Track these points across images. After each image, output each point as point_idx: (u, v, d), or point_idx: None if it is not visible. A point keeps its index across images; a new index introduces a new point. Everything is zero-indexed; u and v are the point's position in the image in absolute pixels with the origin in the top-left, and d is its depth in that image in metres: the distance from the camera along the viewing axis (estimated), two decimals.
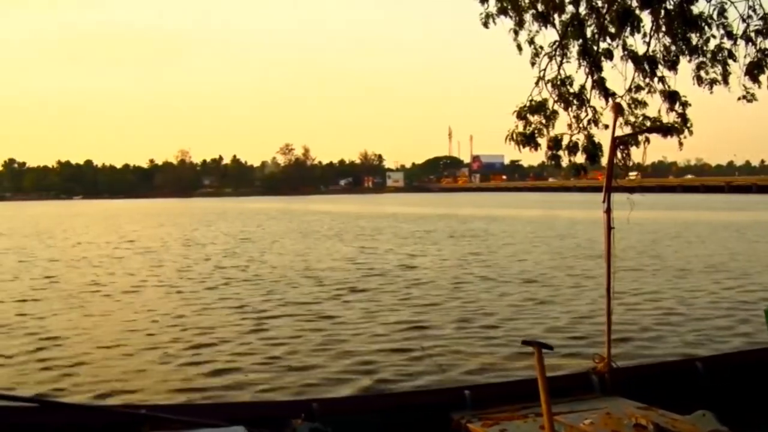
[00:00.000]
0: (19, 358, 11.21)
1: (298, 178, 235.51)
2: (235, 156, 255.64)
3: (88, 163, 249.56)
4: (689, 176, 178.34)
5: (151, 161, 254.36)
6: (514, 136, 8.43)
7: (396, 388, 9.31)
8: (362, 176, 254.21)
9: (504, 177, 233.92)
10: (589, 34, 8.46)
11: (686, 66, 8.21)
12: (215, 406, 6.20)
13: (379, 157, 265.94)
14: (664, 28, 8.17)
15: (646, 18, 8.14)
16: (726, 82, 7.98)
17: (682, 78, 8.23)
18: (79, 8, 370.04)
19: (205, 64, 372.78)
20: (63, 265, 25.89)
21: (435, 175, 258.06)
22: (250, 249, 31.44)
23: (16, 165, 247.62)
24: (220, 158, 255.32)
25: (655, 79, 8.26)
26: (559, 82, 8.55)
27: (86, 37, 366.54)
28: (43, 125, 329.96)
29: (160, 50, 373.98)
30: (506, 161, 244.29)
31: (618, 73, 8.33)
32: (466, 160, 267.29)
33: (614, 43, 8.37)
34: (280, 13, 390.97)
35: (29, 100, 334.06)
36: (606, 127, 8.06)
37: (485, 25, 8.62)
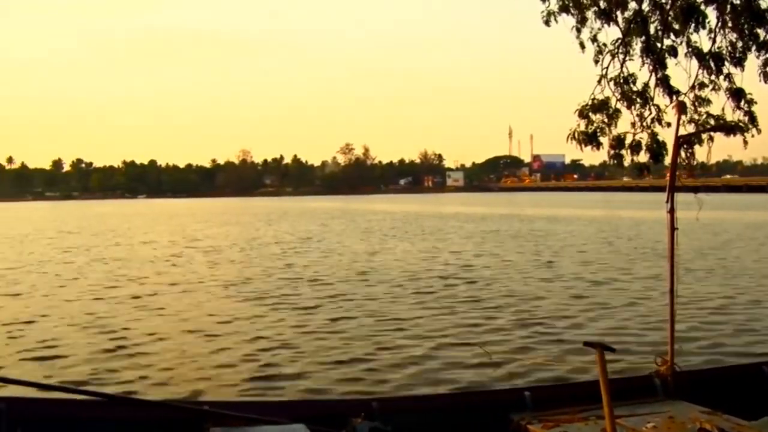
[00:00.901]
0: (89, 354, 11.40)
1: (358, 177, 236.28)
2: (295, 156, 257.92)
3: (152, 163, 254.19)
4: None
5: (213, 161, 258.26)
6: (576, 135, 8.35)
7: (455, 388, 9.22)
8: (422, 176, 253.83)
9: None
10: (652, 30, 8.33)
11: (753, 62, 8.02)
12: (276, 404, 6.20)
13: (439, 156, 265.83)
14: (730, 24, 7.99)
15: (711, 13, 7.98)
16: None
17: (749, 75, 8.04)
18: (143, 12, 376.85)
19: (266, 65, 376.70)
20: (130, 263, 26.24)
21: (495, 174, 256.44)
22: (314, 248, 31.48)
23: (83, 165, 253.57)
24: (281, 158, 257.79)
25: (721, 77, 8.09)
26: (621, 80, 8.44)
27: (151, 40, 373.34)
28: (109, 126, 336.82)
29: (223, 52, 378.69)
30: (567, 160, 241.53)
31: (682, 71, 8.19)
32: (527, 159, 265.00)
33: (678, 40, 8.23)
34: (341, 13, 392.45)
35: (96, 103, 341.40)
36: (669, 125, 7.91)
37: (547, 23, 8.55)
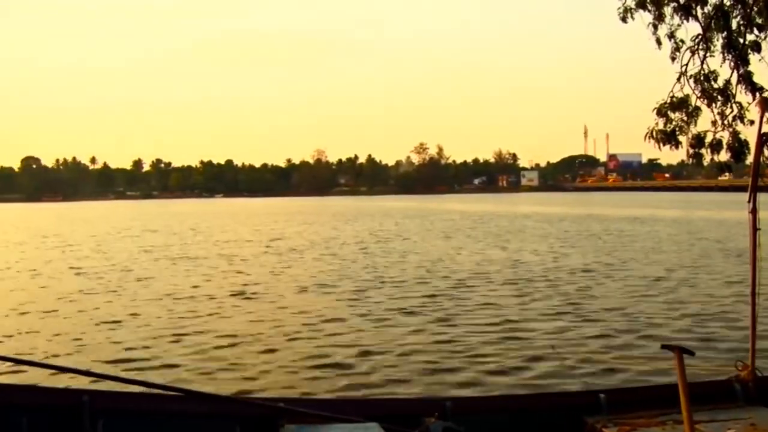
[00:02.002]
0: (169, 350, 11.65)
1: (432, 177, 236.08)
2: (370, 155, 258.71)
3: (229, 162, 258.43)
4: None
5: (289, 161, 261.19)
6: (654, 133, 8.19)
7: (529, 389, 9.09)
8: (496, 175, 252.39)
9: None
10: (734, 26, 8.11)
11: None
12: (350, 402, 6.24)
13: (514, 156, 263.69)
14: None
15: None
16: None
17: None
18: (219, 17, 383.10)
19: (341, 65, 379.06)
20: (211, 261, 26.69)
21: (570, 174, 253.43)
22: (396, 248, 31.35)
23: (162, 165, 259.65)
24: (356, 157, 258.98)
25: None
26: (702, 78, 8.24)
27: (227, 43, 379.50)
28: (187, 127, 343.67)
29: (298, 53, 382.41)
30: (644, 160, 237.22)
31: (766, 67, 7.96)
32: (602, 158, 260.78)
33: (762, 35, 8.00)
34: (413, 13, 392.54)
35: (175, 105, 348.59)
36: (752, 123, 7.69)
37: (623, 19, 8.41)
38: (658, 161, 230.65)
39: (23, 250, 34.07)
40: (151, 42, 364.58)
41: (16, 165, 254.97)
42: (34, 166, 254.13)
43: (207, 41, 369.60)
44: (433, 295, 17.15)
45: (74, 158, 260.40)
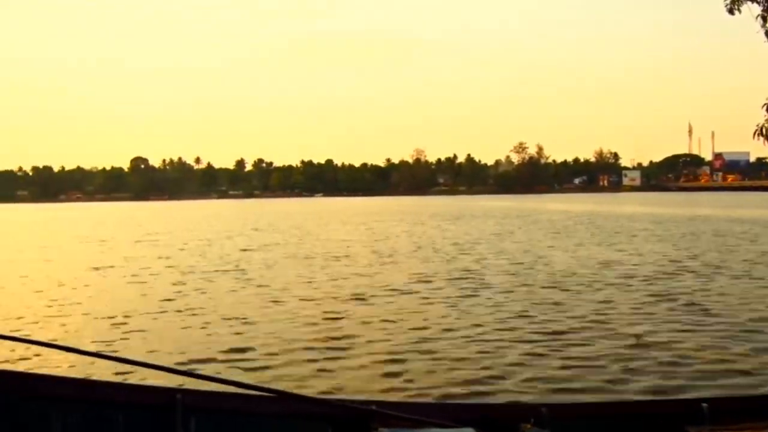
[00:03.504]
0: (268, 350, 11.51)
1: (532, 176, 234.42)
2: (469, 155, 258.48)
3: (329, 162, 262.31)
4: None
5: (388, 160, 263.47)
6: (764, 131, 7.87)
7: (630, 393, 8.77)
8: (597, 175, 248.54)
9: None
10: None
11: None
12: (443, 406, 6.05)
13: (615, 155, 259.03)
14: None
15: None
16: None
17: None
18: (317, 17, 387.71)
19: (440, 64, 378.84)
20: (318, 261, 26.70)
21: (673, 173, 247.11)
22: (507, 248, 30.66)
23: (264, 165, 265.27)
24: (455, 157, 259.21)
25: None
26: None
27: (327, 43, 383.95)
28: (288, 127, 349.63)
29: (397, 53, 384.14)
30: (752, 158, 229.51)
31: None
32: (707, 157, 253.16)
33: None
34: (512, 10, 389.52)
35: (276, 105, 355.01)
36: None
37: (730, 11, 8.10)
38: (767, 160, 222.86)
39: (137, 248, 35.05)
40: (254, 42, 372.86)
41: (125, 165, 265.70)
42: (142, 166, 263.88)
43: (309, 41, 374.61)
44: (557, 302, 16.23)
45: (180, 158, 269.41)
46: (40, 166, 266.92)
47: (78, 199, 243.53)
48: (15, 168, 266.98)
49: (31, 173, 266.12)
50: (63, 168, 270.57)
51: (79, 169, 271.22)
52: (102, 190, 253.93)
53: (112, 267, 25.47)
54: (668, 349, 11.15)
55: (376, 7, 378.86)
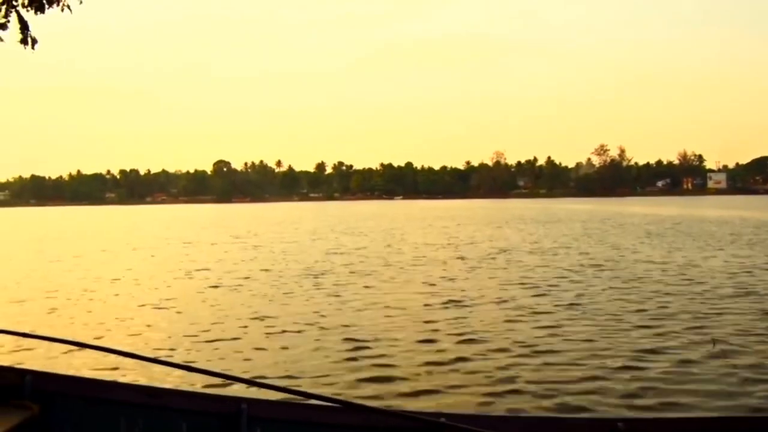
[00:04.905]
0: (331, 359, 11.31)
1: (613, 179, 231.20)
2: (549, 157, 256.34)
3: (409, 165, 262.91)
4: None
5: (467, 163, 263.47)
6: None
7: (708, 410, 8.31)
8: (681, 177, 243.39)
9: None
10: None
11: None
12: (514, 419, 5.62)
13: (699, 157, 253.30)
14: None
15: None
16: None
17: None
18: (396, 23, 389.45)
19: (520, 67, 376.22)
20: (408, 266, 26.31)
21: (761, 175, 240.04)
22: (604, 253, 29.61)
23: (344, 168, 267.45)
24: (535, 159, 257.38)
25: None
26: None
27: (405, 48, 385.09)
28: (368, 131, 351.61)
29: (476, 55, 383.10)
30: None
31: None
32: None
33: None
34: (594, 10, 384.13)
35: (356, 109, 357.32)
36: None
37: None
38: None
39: (225, 251, 35.42)
40: (336, 50, 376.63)
41: (208, 168, 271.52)
42: (225, 169, 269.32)
43: (389, 47, 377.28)
44: (674, 313, 15.18)
45: (261, 161, 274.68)
46: (128, 170, 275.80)
47: (163, 201, 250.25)
48: (104, 171, 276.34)
49: (118, 176, 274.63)
50: (149, 171, 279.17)
51: (164, 172, 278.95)
52: (186, 192, 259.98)
53: (206, 269, 25.72)
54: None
55: (457, 10, 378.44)
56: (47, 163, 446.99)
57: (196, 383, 8.76)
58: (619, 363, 10.61)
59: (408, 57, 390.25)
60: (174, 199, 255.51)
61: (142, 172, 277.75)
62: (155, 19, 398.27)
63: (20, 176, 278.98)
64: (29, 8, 7.85)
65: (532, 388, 9.41)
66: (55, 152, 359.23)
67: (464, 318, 14.72)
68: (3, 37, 8.14)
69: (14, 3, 7.76)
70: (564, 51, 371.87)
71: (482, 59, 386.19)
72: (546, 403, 8.81)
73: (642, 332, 12.88)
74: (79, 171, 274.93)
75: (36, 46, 8.17)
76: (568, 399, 8.92)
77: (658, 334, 12.63)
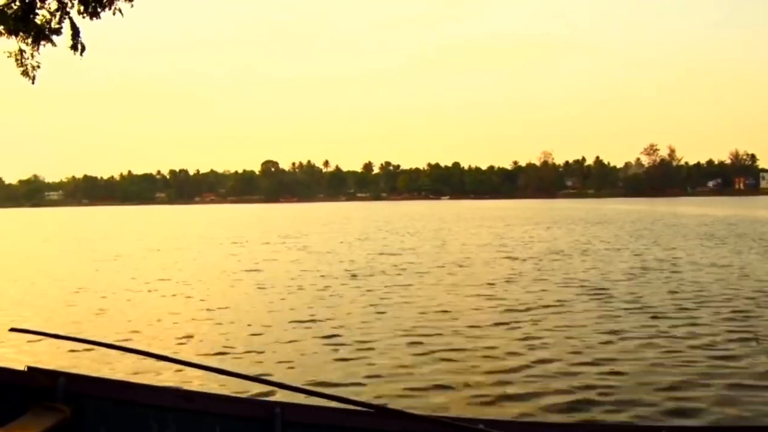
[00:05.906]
0: (370, 363, 11.06)
1: (663, 179, 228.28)
2: (597, 157, 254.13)
3: (456, 165, 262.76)
4: None
5: (515, 163, 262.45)
6: None
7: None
8: (732, 177, 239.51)
9: None
10: None
11: None
12: (554, 425, 5.70)
13: (752, 156, 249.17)
14: None
15: None
16: None
17: None
18: (445, 24, 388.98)
19: (568, 66, 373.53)
20: (459, 268, 26.00)
21: None
22: (664, 257, 28.90)
23: (391, 168, 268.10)
24: (583, 159, 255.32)
25: None
26: None
27: (453, 48, 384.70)
28: (415, 131, 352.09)
29: (524, 55, 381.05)
30: None
31: None
32: None
33: None
34: (643, 9, 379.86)
35: (404, 109, 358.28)
36: None
37: None
38: None
39: (275, 251, 35.47)
40: (383, 51, 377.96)
41: (256, 168, 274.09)
42: (273, 169, 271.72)
43: (435, 49, 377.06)
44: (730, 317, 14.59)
45: (309, 161, 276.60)
46: (177, 170, 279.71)
47: (211, 201, 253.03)
48: (154, 172, 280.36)
49: (168, 176, 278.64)
50: (198, 171, 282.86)
51: (212, 172, 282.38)
52: (234, 192, 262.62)
53: (257, 270, 25.63)
54: None
55: (504, 10, 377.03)
56: (99, 164, 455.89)
57: (230, 387, 8.64)
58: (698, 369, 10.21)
59: (456, 58, 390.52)
60: (222, 198, 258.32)
61: (191, 173, 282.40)
62: (206, 24, 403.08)
63: (73, 176, 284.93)
64: (84, 14, 7.89)
65: (598, 397, 9.04)
66: (107, 153, 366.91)
67: (521, 323, 14.25)
68: (56, 43, 8.20)
69: (68, 10, 7.80)
70: (613, 49, 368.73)
71: (530, 59, 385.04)
72: (619, 416, 8.41)
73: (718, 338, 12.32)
74: (130, 171, 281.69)
75: (84, 53, 8.22)
76: (642, 410, 8.50)
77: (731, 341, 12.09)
